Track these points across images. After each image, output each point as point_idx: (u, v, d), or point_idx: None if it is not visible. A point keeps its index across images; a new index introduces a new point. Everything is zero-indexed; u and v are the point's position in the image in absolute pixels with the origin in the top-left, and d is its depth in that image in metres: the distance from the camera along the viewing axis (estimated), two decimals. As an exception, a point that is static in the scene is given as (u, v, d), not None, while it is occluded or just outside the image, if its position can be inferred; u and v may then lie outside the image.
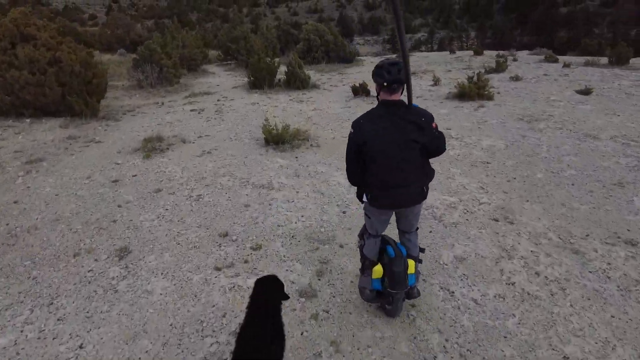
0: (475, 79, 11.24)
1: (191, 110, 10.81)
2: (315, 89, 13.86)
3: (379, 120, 2.57)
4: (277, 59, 14.78)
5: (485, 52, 25.71)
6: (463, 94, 10.94)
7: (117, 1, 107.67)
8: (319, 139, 8.02)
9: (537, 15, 75.84)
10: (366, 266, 3.04)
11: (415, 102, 2.85)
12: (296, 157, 7.04)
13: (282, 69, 15.10)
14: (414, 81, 15.03)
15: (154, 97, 13.11)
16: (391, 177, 2.62)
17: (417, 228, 3.04)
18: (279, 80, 14.36)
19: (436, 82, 13.65)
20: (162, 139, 7.97)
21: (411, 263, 2.85)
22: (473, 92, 10.76)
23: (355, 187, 2.94)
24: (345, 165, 2.79)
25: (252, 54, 20.65)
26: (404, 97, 2.68)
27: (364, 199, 2.85)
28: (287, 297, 2.53)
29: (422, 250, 3.11)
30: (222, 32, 25.98)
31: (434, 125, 2.60)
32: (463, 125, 8.82)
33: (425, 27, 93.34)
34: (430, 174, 2.77)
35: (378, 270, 2.89)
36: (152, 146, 7.45)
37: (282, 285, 2.56)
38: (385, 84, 2.50)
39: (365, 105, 10.77)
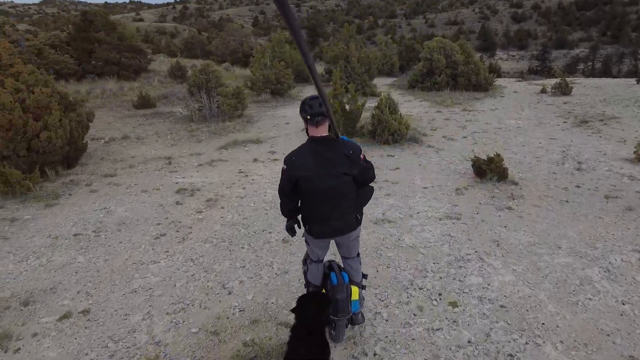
0: None
1: (176, 192, 6.65)
2: (412, 146, 8.70)
3: (310, 156, 2.56)
4: (364, 100, 9.85)
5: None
6: None
7: (264, 13, 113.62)
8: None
9: None
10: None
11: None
12: None
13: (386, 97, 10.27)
14: (586, 135, 9.16)
15: (187, 142, 9.47)
16: (325, 210, 2.63)
17: (359, 254, 3.03)
18: (362, 127, 9.53)
19: (639, 152, 7.28)
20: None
21: (354, 289, 2.87)
22: None
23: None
24: (280, 200, 2.74)
25: (353, 77, 16.18)
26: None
27: (302, 228, 2.87)
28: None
29: (364, 276, 3.09)
30: (325, 49, 21.82)
31: (362, 156, 2.63)
32: None
33: (585, 42, 77.63)
34: (363, 201, 2.80)
35: None
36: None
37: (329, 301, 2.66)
38: (308, 117, 2.51)
39: (494, 215, 5.44)
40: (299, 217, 2.88)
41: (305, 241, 2.93)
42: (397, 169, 7.27)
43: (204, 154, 8.46)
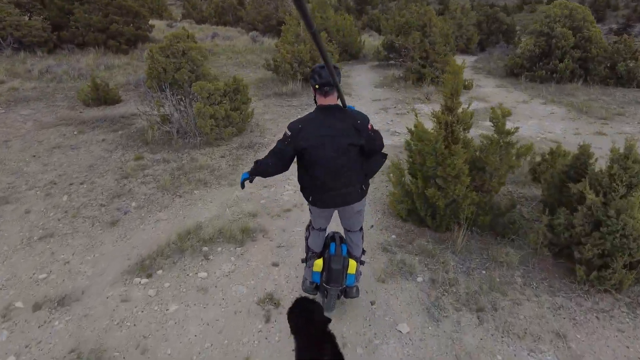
0: None
1: None
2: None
3: (317, 125, 2.40)
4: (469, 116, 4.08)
5: None
6: None
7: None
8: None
9: None
10: (309, 257, 2.89)
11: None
12: None
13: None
14: None
15: (85, 228, 4.18)
16: (331, 181, 2.46)
17: (361, 229, 2.86)
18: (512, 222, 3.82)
19: None
20: None
21: (352, 263, 2.71)
22: None
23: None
24: (266, 157, 2.44)
25: (430, 58, 10.12)
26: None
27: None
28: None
29: (363, 252, 2.95)
30: (378, 16, 15.27)
31: (369, 126, 2.43)
32: None
33: (679, 15, 64.27)
34: (371, 171, 2.62)
35: (318, 263, 2.72)
36: None
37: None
38: (317, 86, 2.37)
39: None
40: (296, 187, 2.94)
41: (309, 209, 2.75)
42: None
43: (80, 299, 3.12)
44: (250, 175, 2.47)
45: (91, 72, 10.94)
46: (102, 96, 8.03)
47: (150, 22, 17.39)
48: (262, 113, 7.97)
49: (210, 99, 5.60)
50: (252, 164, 2.47)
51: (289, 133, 2.39)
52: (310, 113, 2.47)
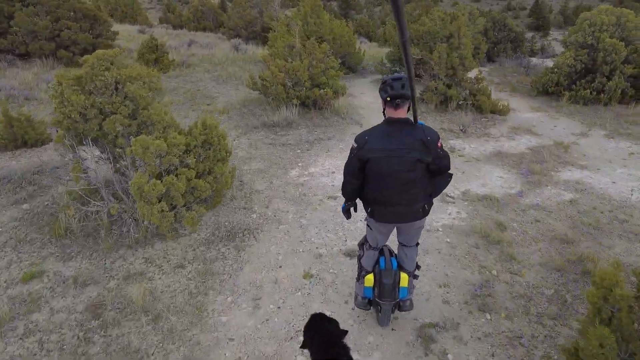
0: None
1: None
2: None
3: (385, 138, 2.31)
4: None
5: None
6: None
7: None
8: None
9: None
10: (362, 275, 2.76)
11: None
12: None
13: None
14: None
15: None
16: (394, 196, 2.38)
17: (418, 244, 2.77)
18: None
19: None
20: None
21: (404, 277, 2.66)
22: None
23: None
24: (343, 179, 2.49)
25: (459, 76, 8.01)
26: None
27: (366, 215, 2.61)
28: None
29: (418, 267, 2.84)
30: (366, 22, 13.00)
31: (439, 144, 2.33)
32: None
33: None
34: (435, 191, 2.52)
35: (369, 278, 2.67)
36: None
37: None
38: (388, 98, 2.28)
39: None
40: (358, 201, 2.62)
41: (367, 225, 2.66)
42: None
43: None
44: (347, 207, 2.58)
45: (29, 92, 8.47)
46: (19, 135, 5.60)
47: (117, 27, 14.91)
48: (247, 159, 5.67)
49: (163, 164, 3.30)
50: None
51: (355, 145, 2.35)
52: (379, 125, 2.37)
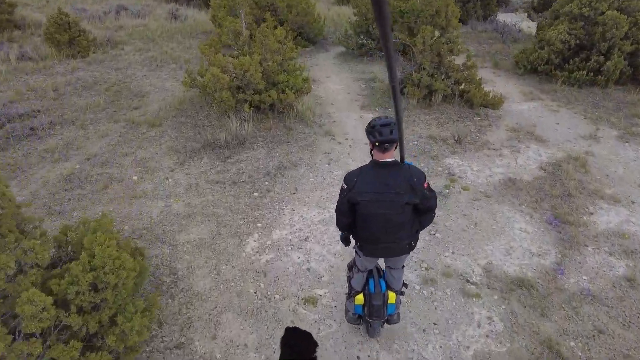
0: None
1: None
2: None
3: (373, 181, 2.32)
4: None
5: None
6: None
7: None
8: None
9: None
10: (352, 294, 2.82)
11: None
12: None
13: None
14: None
15: None
16: (382, 236, 2.41)
17: (404, 266, 2.82)
18: None
19: None
20: None
21: (392, 295, 2.72)
22: None
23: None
24: (335, 215, 2.51)
25: (445, 64, 6.55)
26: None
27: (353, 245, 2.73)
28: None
29: (405, 285, 2.92)
30: None
31: (425, 185, 2.34)
32: None
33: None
34: (421, 227, 2.52)
35: (359, 298, 2.73)
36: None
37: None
38: (377, 143, 2.26)
39: None
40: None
41: (356, 252, 2.72)
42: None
43: None
44: (342, 236, 2.66)
45: None
46: None
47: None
48: (184, 218, 4.06)
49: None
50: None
51: (345, 186, 2.36)
52: (366, 166, 2.37)
